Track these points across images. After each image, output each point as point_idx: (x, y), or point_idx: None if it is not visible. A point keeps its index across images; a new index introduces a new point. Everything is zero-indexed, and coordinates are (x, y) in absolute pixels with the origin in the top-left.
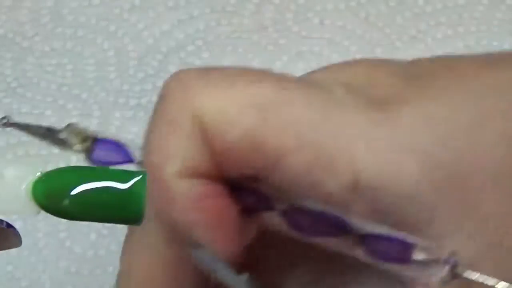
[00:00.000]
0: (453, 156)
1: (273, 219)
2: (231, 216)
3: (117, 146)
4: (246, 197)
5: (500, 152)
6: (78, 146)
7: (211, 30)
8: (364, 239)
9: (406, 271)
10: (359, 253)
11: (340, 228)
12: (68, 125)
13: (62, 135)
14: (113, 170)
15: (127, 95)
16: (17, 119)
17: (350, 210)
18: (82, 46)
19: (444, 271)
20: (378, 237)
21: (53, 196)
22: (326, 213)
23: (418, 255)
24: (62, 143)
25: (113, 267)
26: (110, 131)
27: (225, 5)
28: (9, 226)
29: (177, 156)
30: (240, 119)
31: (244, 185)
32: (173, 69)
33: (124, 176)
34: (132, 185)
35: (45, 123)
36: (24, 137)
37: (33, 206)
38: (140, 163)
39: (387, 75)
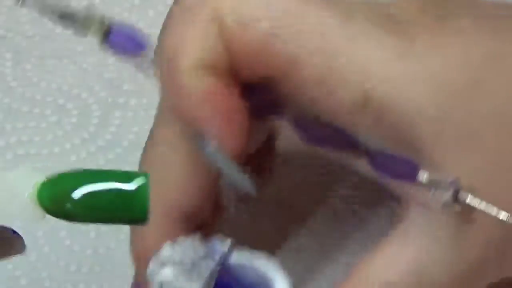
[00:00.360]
0: (463, 88)
1: (283, 125)
2: (241, 114)
3: (133, 33)
4: (258, 100)
5: (508, 92)
6: (94, 30)
7: None
8: (372, 155)
9: (409, 190)
10: (367, 168)
11: (349, 141)
12: (87, 7)
13: (80, 18)
14: (116, 171)
15: (127, 95)
16: (16, 119)
17: (359, 126)
18: (82, 45)
19: (447, 195)
20: (385, 155)
21: (58, 200)
22: (336, 125)
23: (423, 176)
24: (79, 26)
25: (112, 265)
26: (110, 131)
27: None
28: (14, 232)
29: (193, 47)
30: (257, 23)
31: (257, 88)
32: None
33: (127, 177)
34: (138, 186)
35: (45, 123)
36: (24, 136)
37: (38, 211)
38: (154, 54)
39: (410, 2)
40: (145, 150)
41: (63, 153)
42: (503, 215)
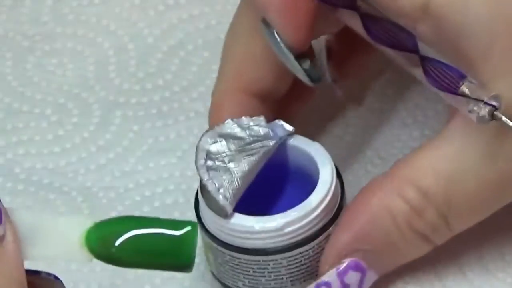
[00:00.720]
0: None
1: (351, 19)
2: (306, 5)
3: None
4: None
5: None
6: None
7: (212, 29)
8: (424, 60)
9: (451, 100)
10: (418, 72)
11: (407, 44)
12: None
13: None
14: (164, 219)
15: (128, 94)
16: (17, 118)
17: (418, 32)
18: (82, 45)
19: (484, 110)
20: (436, 62)
21: (105, 244)
22: (398, 26)
23: (465, 89)
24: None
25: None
26: (111, 130)
27: (225, 3)
28: (56, 278)
29: None
30: None
31: None
32: (173, 68)
33: (174, 225)
34: (184, 232)
35: (45, 122)
36: (25, 136)
37: (86, 255)
38: None
39: None
40: (231, 24)
41: (63, 152)
42: None
